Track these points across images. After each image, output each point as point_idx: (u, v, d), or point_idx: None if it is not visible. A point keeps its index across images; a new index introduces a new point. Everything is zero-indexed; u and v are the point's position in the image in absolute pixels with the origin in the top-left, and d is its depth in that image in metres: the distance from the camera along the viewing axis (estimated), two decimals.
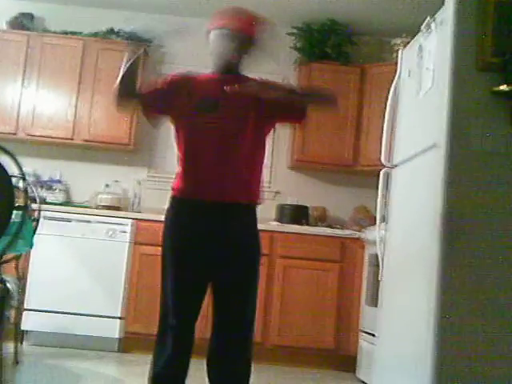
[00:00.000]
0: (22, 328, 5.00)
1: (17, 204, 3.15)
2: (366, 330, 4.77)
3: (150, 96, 2.92)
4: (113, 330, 5.26)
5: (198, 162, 2.84)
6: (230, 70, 2.89)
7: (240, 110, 2.83)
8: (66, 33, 6.02)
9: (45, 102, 5.84)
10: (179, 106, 2.86)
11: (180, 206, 2.90)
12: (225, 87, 2.74)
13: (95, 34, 6.00)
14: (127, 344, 5.31)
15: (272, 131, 3.00)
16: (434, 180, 3.06)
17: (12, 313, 3.84)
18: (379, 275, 4.02)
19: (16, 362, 4.19)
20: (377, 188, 4.06)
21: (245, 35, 2.85)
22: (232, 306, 2.85)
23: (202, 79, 2.94)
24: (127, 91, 2.89)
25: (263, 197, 2.96)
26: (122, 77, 2.86)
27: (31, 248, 3.75)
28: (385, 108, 4.04)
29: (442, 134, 3.02)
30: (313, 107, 2.95)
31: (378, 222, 4.06)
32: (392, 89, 3.97)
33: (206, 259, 2.81)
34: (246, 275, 2.85)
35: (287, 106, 2.84)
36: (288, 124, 3.27)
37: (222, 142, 2.81)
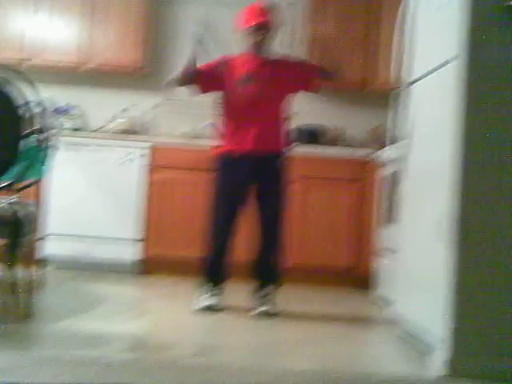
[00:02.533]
0: (43, 253, 5.07)
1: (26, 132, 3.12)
2: (383, 247, 4.78)
3: (203, 78, 3.99)
4: (133, 252, 5.33)
5: (240, 122, 3.96)
6: (262, 53, 4.02)
7: (268, 81, 3.97)
8: None
9: (54, 28, 5.76)
10: (226, 83, 3.98)
11: (227, 160, 4.01)
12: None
13: None
14: (148, 266, 5.39)
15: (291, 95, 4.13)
16: (454, 94, 2.98)
17: (31, 237, 3.84)
18: (396, 193, 3.99)
19: (39, 285, 4.23)
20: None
21: (270, 26, 3.98)
22: (268, 205, 4.01)
23: (240, 61, 4.03)
24: (186, 82, 4.00)
25: (289, 148, 4.15)
26: (186, 70, 3.93)
27: (41, 177, 3.74)
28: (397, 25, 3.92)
29: (462, 44, 2.92)
30: (324, 79, 4.10)
31: (394, 140, 4.00)
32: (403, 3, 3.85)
33: (248, 181, 4.01)
34: (277, 189, 4.03)
35: (305, 79, 4.09)
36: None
37: (257, 104, 3.94)
